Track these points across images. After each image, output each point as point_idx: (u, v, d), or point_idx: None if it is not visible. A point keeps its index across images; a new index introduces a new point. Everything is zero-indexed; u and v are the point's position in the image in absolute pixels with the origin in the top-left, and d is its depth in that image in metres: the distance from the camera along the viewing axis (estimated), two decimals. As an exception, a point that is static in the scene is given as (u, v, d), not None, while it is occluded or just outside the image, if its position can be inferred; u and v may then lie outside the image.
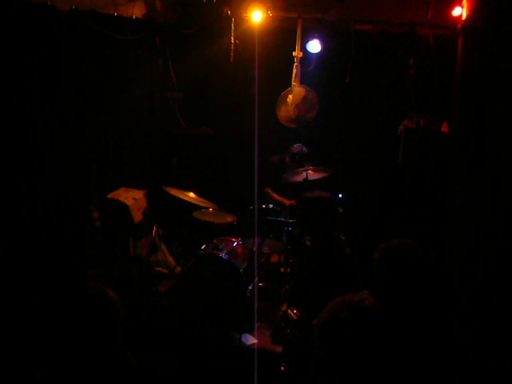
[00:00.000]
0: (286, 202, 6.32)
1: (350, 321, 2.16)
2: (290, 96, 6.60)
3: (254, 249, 5.48)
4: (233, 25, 6.29)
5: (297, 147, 6.55)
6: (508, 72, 3.97)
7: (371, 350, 2.14)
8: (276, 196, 6.49)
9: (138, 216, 5.72)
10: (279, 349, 4.48)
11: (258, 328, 5.16)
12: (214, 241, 5.61)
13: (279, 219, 6.02)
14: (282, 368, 4.02)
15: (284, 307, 4.81)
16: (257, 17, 6.17)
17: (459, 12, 5.43)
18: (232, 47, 6.31)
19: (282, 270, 6.01)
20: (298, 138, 6.78)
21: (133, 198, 5.80)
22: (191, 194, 5.75)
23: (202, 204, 5.80)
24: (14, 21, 4.80)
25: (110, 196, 5.77)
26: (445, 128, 6.17)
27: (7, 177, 4.83)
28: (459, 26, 5.44)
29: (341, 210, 5.56)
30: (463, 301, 4.08)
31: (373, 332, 2.16)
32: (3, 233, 4.67)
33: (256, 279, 5.49)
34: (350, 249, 4.35)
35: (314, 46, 6.44)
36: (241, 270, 5.28)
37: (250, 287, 5.40)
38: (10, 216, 4.83)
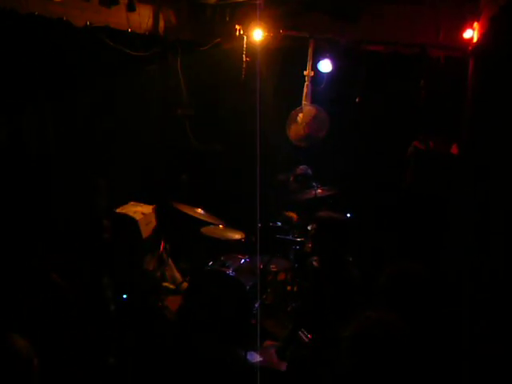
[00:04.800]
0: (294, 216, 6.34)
1: (384, 338, 2.15)
2: (301, 115, 6.64)
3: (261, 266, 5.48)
4: (245, 43, 6.35)
5: (301, 169, 6.54)
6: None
7: (399, 368, 2.13)
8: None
9: (146, 231, 5.72)
10: (284, 367, 4.44)
11: (263, 346, 5.13)
12: (222, 257, 5.60)
13: (287, 238, 6.02)
14: None
15: (291, 326, 4.76)
16: (257, 35, 6.26)
17: (470, 34, 5.47)
18: (243, 65, 6.37)
19: (289, 288, 5.98)
20: (305, 159, 6.78)
21: (141, 212, 5.81)
22: (200, 211, 5.76)
23: (210, 220, 5.81)
24: (30, 35, 4.88)
25: (118, 210, 5.78)
26: (454, 150, 6.17)
27: (16, 189, 4.88)
28: (470, 48, 5.48)
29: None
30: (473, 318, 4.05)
31: (403, 352, 2.16)
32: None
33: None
34: (358, 270, 4.30)
35: (326, 66, 6.48)
36: (247, 287, 5.26)
37: (257, 305, 5.38)
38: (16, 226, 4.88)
